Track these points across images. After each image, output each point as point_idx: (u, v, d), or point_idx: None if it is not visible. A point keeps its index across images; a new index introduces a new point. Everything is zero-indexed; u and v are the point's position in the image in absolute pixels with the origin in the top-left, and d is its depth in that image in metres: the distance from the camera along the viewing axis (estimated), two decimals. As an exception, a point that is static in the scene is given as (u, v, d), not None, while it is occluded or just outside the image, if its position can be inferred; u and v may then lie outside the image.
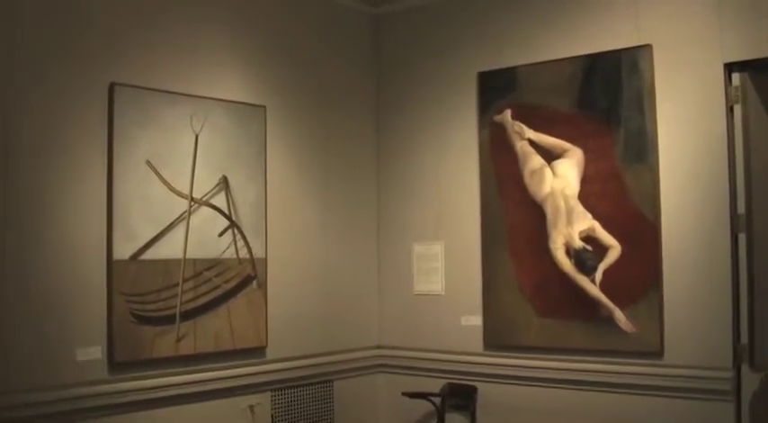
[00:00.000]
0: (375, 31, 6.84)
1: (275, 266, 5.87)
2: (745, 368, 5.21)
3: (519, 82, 6.00)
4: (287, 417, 5.92)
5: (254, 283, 5.73)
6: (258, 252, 5.76)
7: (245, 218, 5.69)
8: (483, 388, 6.09)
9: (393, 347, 6.60)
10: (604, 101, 5.63)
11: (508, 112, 6.03)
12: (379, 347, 6.64)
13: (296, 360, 6.00)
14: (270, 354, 5.82)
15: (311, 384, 6.13)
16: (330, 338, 6.31)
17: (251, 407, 5.67)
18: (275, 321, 5.84)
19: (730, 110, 5.27)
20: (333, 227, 6.41)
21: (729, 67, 5.27)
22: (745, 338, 5.20)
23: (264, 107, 5.86)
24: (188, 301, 5.30)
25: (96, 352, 4.81)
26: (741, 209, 5.24)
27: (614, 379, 5.53)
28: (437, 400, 6.09)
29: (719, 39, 5.26)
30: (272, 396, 5.83)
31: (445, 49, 6.44)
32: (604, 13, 5.70)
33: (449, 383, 6.18)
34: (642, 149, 5.47)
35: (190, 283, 5.32)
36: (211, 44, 5.60)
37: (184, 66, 5.40)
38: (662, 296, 5.38)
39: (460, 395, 6.12)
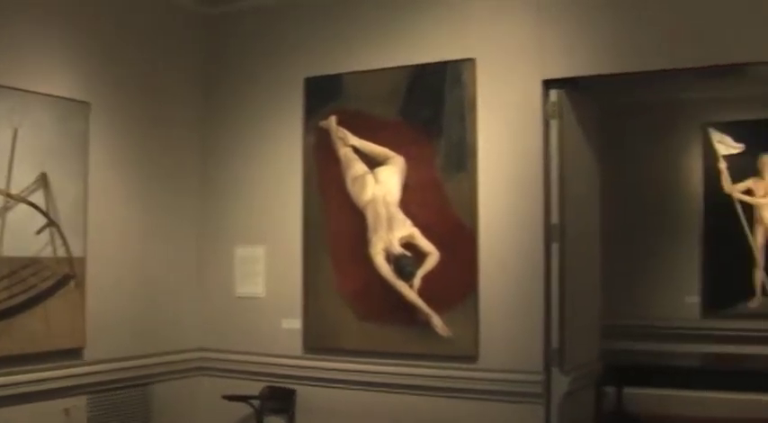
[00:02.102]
0: (206, 33, 6.58)
1: (95, 266, 5.59)
2: (555, 371, 5.32)
3: (345, 89, 5.93)
4: (104, 421, 5.64)
5: (73, 282, 5.44)
6: (77, 251, 5.46)
7: (65, 216, 5.39)
8: (302, 391, 5.99)
9: (214, 350, 6.39)
10: (427, 111, 5.62)
11: (333, 119, 5.95)
12: (199, 350, 6.42)
13: (115, 362, 5.73)
14: (88, 355, 5.54)
15: (130, 387, 5.86)
16: (150, 341, 6.05)
17: (66, 410, 5.37)
18: (94, 322, 5.56)
19: (547, 124, 5.36)
20: (155, 228, 6.16)
21: (547, 84, 5.37)
22: (555, 343, 5.31)
23: (89, 104, 5.57)
24: (2, 301, 4.98)
25: None
26: (555, 219, 5.34)
27: (431, 382, 5.53)
28: (256, 403, 5.96)
29: (539, 56, 5.37)
30: (88, 399, 5.54)
31: (274, 54, 6.29)
32: (431, 25, 5.71)
33: (268, 386, 6.05)
34: (462, 159, 5.50)
35: (5, 282, 5.00)
36: (36, 37, 5.27)
37: (5, 58, 5.06)
38: (477, 302, 5.43)
39: (279, 398, 6.01)
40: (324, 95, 6.00)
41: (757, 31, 4.91)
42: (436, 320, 5.51)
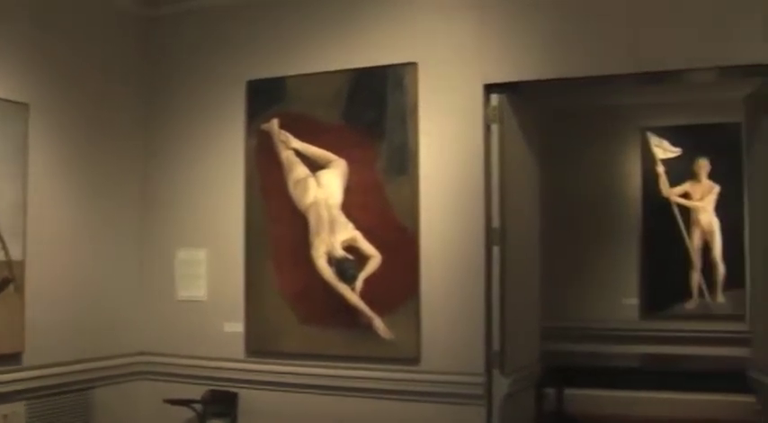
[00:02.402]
0: (147, 35, 6.49)
1: (34, 270, 5.49)
2: (496, 373, 5.35)
3: (287, 92, 5.90)
4: (42, 427, 5.56)
5: (12, 286, 5.33)
6: (16, 255, 5.36)
7: (3, 219, 5.28)
8: (245, 394, 5.95)
9: (155, 354, 6.31)
10: (370, 114, 5.63)
11: (275, 122, 5.92)
12: (141, 354, 6.34)
13: (54, 367, 5.63)
14: (27, 360, 5.44)
15: (70, 392, 5.76)
16: (91, 345, 5.96)
17: (4, 416, 5.27)
18: (33, 327, 5.46)
19: (488, 129, 5.40)
20: (96, 231, 6.07)
21: (489, 89, 5.42)
22: (496, 345, 5.35)
23: (28, 105, 5.47)
24: (-62, 306, 4.88)
25: None
26: (496, 223, 5.38)
27: (373, 385, 5.54)
28: (198, 406, 5.91)
29: (481, 61, 5.41)
30: (27, 405, 5.43)
31: (215, 57, 6.24)
32: (374, 29, 5.72)
33: (210, 390, 6.00)
34: (404, 163, 5.51)
35: (-59, 287, 4.91)
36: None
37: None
38: (419, 305, 5.45)
39: (222, 402, 5.95)
40: (266, 98, 5.96)
41: (691, 38, 5.02)
42: (378, 323, 5.51)
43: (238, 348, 5.99)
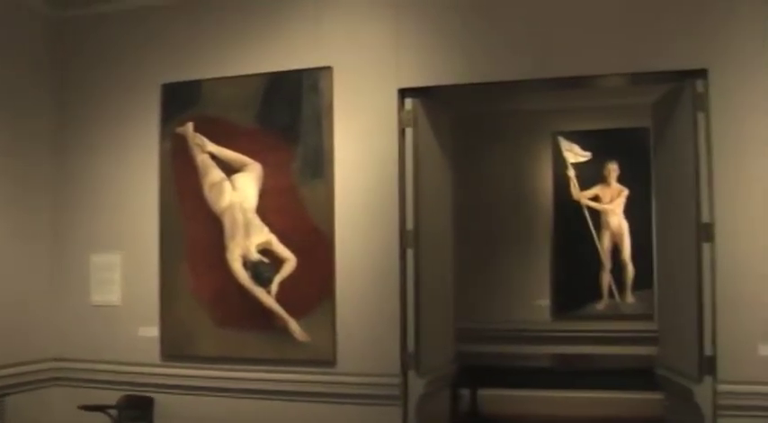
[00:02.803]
0: (58, 37, 6.38)
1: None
2: (411, 374, 5.42)
3: (202, 95, 5.88)
4: (-51, 437, 5.44)
5: None
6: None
7: None
8: (161, 399, 5.90)
9: (69, 360, 6.21)
10: (285, 118, 5.65)
11: (190, 125, 5.89)
12: (55, 360, 6.23)
13: (-37, 375, 5.51)
14: (-64, 369, 5.32)
15: (-20, 400, 5.65)
16: (3, 351, 5.81)
17: None
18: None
19: (402, 132, 5.47)
20: (8, 236, 5.94)
21: (403, 93, 5.49)
22: (411, 346, 5.42)
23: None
24: None
25: None
26: (410, 225, 5.45)
27: (290, 387, 5.56)
28: (114, 412, 5.84)
29: (396, 66, 5.49)
30: (-67, 415, 5.33)
31: (130, 59, 6.18)
32: (289, 32, 5.74)
33: (126, 395, 5.93)
34: (319, 166, 5.55)
35: None
36: None
37: None
38: (335, 307, 5.49)
39: (137, 407, 5.89)
40: (181, 102, 5.93)
41: (602, 45, 5.18)
42: (294, 326, 5.53)
43: (153, 353, 5.93)
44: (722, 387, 4.88)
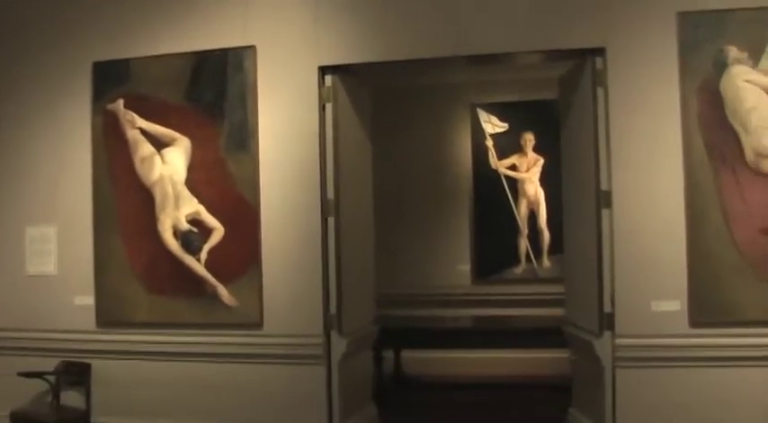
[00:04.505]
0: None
1: None
2: (334, 334, 5.67)
3: (132, 73, 5.98)
4: None
5: None
6: None
7: None
8: (97, 364, 6.03)
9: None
10: (211, 95, 5.80)
11: (121, 102, 5.99)
12: (-8, 329, 6.33)
13: None
14: None
15: None
16: (-62, 323, 5.90)
17: None
18: None
19: (323, 108, 5.68)
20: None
21: (323, 70, 5.69)
22: (333, 309, 5.66)
23: None
24: None
25: None
26: (330, 195, 5.67)
27: (220, 349, 5.76)
28: (52, 378, 5.95)
29: (316, 44, 5.67)
30: None
31: (62, 38, 6.23)
32: (215, 13, 5.88)
33: (63, 362, 6.04)
34: (244, 140, 5.72)
35: None
36: None
37: None
38: (261, 273, 5.69)
39: (75, 373, 6.01)
40: (112, 80, 6.02)
41: (512, 24, 5.46)
42: (222, 291, 5.72)
43: (89, 320, 6.05)
44: (620, 340, 5.22)
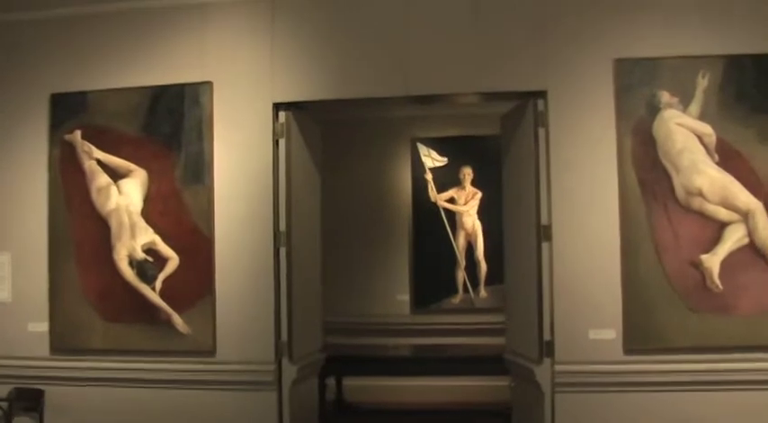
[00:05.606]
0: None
1: None
2: (285, 361, 5.78)
3: (90, 105, 6.03)
4: None
5: None
6: None
7: None
8: (51, 391, 6.01)
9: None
10: (168, 128, 5.90)
11: (78, 133, 6.04)
12: (-57, 356, 6.27)
13: None
14: None
15: None
16: None
17: None
18: None
19: (276, 143, 5.84)
20: None
21: (277, 106, 5.86)
22: (284, 336, 5.77)
23: None
24: None
25: None
26: (282, 226, 5.80)
27: (173, 376, 5.82)
28: (5, 404, 5.92)
29: (271, 82, 5.83)
30: None
31: (19, 69, 6.24)
32: (172, 48, 5.99)
33: (16, 388, 6.01)
34: (200, 172, 5.83)
35: None
36: None
37: None
38: (214, 301, 5.79)
39: (28, 399, 5.97)
40: (69, 111, 6.06)
41: (455, 67, 5.70)
42: (176, 319, 5.79)
43: (43, 347, 6.04)
44: (559, 367, 5.42)
